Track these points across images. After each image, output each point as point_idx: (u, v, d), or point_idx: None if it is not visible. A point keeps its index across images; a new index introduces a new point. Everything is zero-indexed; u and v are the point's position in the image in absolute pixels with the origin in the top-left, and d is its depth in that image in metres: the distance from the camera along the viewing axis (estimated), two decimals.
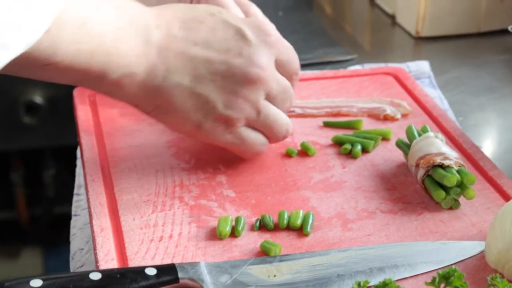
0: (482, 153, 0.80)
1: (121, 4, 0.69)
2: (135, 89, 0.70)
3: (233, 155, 0.80)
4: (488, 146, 0.86)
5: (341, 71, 0.98)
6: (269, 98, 0.75)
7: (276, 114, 0.76)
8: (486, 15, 1.15)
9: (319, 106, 0.89)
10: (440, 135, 0.77)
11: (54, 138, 2.14)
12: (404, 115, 0.88)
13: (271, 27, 0.76)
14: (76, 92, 0.90)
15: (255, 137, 0.76)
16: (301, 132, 0.85)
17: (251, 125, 0.75)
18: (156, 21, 0.70)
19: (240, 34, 0.73)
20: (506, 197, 0.73)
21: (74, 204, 0.80)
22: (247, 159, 0.78)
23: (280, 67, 0.76)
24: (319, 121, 0.87)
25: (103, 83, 0.69)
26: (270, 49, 0.74)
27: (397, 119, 0.87)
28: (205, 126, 0.73)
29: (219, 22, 0.73)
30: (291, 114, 0.88)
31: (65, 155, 2.30)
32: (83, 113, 0.86)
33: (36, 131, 2.08)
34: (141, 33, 0.69)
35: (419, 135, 0.78)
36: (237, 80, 0.72)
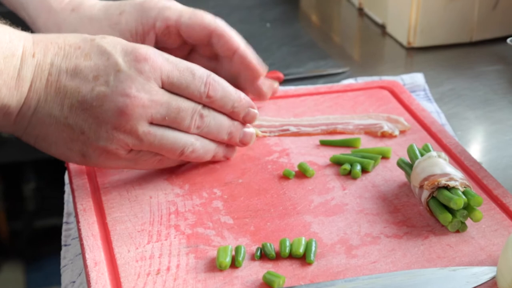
0: (485, 171, 0.78)
1: None
2: (11, 121, 0.69)
3: (228, 179, 0.77)
4: (488, 162, 0.84)
5: (335, 86, 0.96)
6: (155, 121, 0.71)
7: (162, 140, 0.72)
8: (478, 24, 1.13)
9: (314, 124, 0.87)
10: (443, 154, 0.74)
11: (33, 151, 2.11)
12: (402, 132, 0.86)
13: (146, 53, 0.71)
14: None
15: (147, 157, 0.74)
16: (297, 152, 0.82)
17: (137, 150, 0.73)
18: (34, 48, 0.68)
19: (111, 60, 0.69)
20: None
21: (63, 233, 0.76)
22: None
23: (176, 90, 0.72)
24: (315, 139, 0.84)
25: None
26: (145, 74, 0.70)
27: (395, 136, 0.85)
28: (89, 157, 0.71)
29: (95, 47, 0.70)
30: (286, 133, 0.85)
31: (45, 168, 2.27)
32: None
33: (15, 144, 2.04)
34: (16, 66, 0.67)
35: (421, 154, 0.75)
36: (105, 111, 0.69)
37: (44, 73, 0.68)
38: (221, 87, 0.75)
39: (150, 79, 0.70)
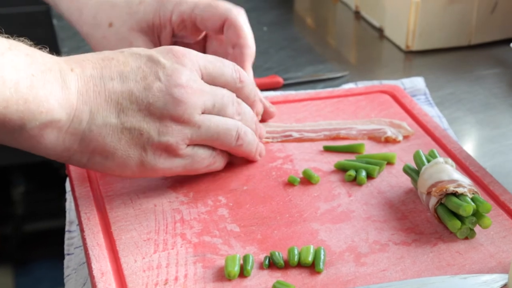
0: (491, 176, 0.77)
1: (30, 52, 0.65)
2: (60, 139, 0.67)
3: (233, 186, 0.76)
4: (492, 166, 0.84)
5: (336, 91, 0.95)
6: (206, 111, 0.73)
7: (218, 125, 0.73)
8: (477, 28, 1.12)
9: (317, 129, 0.86)
10: (450, 161, 0.74)
11: (22, 155, 2.09)
12: (405, 137, 0.85)
13: (182, 49, 0.73)
14: None
15: (203, 152, 0.74)
16: (301, 158, 0.81)
17: (195, 143, 0.73)
18: (69, 65, 0.68)
19: (152, 60, 0.70)
20: None
21: (66, 242, 0.75)
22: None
23: (213, 80, 0.74)
24: (319, 145, 0.84)
25: (23, 135, 0.65)
26: (188, 66, 0.72)
27: (398, 141, 0.84)
28: (148, 160, 0.71)
29: (129, 56, 0.71)
30: (289, 139, 0.84)
31: (34, 172, 2.25)
32: None
33: (4, 148, 2.02)
34: (57, 78, 0.66)
35: (428, 160, 0.75)
36: (163, 104, 0.69)
37: (89, 84, 0.67)
38: (246, 75, 0.78)
39: (193, 71, 0.72)
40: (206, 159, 0.75)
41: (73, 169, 0.78)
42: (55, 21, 1.26)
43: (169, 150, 0.71)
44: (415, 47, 1.12)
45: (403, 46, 1.12)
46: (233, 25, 0.84)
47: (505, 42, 1.14)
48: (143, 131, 0.69)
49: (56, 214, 1.79)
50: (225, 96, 0.75)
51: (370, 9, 1.22)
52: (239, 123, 0.76)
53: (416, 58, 1.11)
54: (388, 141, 0.84)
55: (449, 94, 1.00)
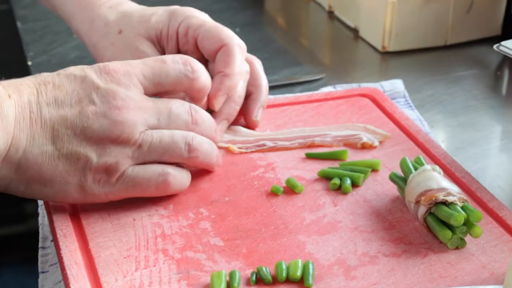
0: (477, 182, 0.76)
1: None
2: None
3: (214, 197, 0.74)
4: (476, 171, 0.82)
5: (315, 95, 0.93)
6: (152, 126, 0.70)
7: (161, 139, 0.70)
8: (453, 27, 1.11)
9: (291, 137, 0.83)
10: (438, 168, 0.72)
11: None
12: (380, 142, 0.83)
13: (117, 66, 0.70)
14: None
15: (146, 171, 0.70)
16: (283, 166, 0.79)
17: (141, 161, 0.70)
18: (7, 91, 0.66)
19: (87, 82, 0.68)
20: (511, 232, 0.69)
21: (40, 259, 0.72)
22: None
23: (158, 85, 0.71)
24: (301, 152, 0.81)
25: None
26: (124, 84, 0.69)
27: (375, 147, 0.82)
28: (88, 185, 0.68)
29: (64, 78, 0.69)
30: (263, 149, 0.81)
31: None
32: None
33: None
34: None
35: (414, 167, 0.73)
36: (98, 127, 0.67)
37: (25, 111, 0.65)
38: (199, 65, 0.74)
39: (130, 86, 0.69)
40: (151, 180, 0.70)
41: None
42: (19, 24, 1.22)
43: (109, 172, 0.68)
44: (391, 47, 1.10)
45: (379, 47, 1.10)
46: (227, 53, 0.80)
47: (481, 42, 1.13)
48: (80, 156, 0.67)
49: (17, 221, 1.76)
50: (174, 107, 0.71)
51: (344, 9, 1.20)
52: (191, 134, 0.72)
53: (393, 59, 1.09)
54: (364, 147, 0.82)
55: (428, 96, 0.99)
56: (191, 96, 0.75)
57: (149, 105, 0.70)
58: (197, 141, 0.72)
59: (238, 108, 0.83)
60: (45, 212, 0.75)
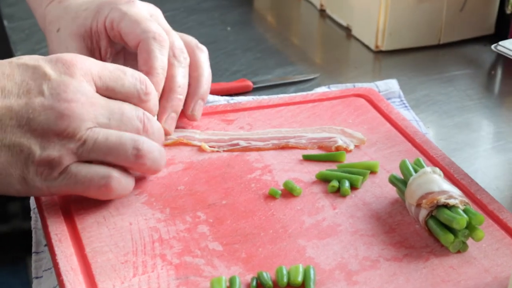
0: (477, 184, 0.75)
1: None
2: None
3: (211, 200, 0.72)
4: (474, 172, 0.81)
5: (310, 95, 0.92)
6: (102, 125, 0.68)
7: (107, 138, 0.68)
8: (446, 26, 1.10)
9: (265, 138, 0.82)
10: (438, 170, 0.71)
11: None
12: (356, 146, 0.82)
13: (73, 57, 0.69)
14: None
15: (89, 171, 0.68)
16: (280, 168, 0.78)
17: (85, 159, 0.68)
18: None
19: (38, 72, 0.67)
20: None
21: (34, 264, 0.70)
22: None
23: (111, 91, 0.70)
24: (298, 153, 0.80)
25: None
26: (77, 77, 0.67)
27: (350, 151, 0.81)
28: (30, 178, 0.66)
29: (15, 67, 0.67)
30: (236, 148, 0.80)
31: None
32: None
33: None
34: None
35: (414, 170, 0.72)
36: (44, 119, 0.65)
37: None
38: (152, 86, 0.73)
39: (83, 82, 0.68)
40: (93, 181, 0.68)
41: None
42: (6, 23, 1.20)
43: (52, 166, 0.66)
44: (384, 47, 1.09)
45: (372, 46, 1.09)
46: (143, 49, 0.78)
47: (474, 40, 1.13)
48: (23, 147, 0.65)
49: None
50: (127, 110, 0.70)
51: (336, 8, 1.19)
52: (142, 138, 0.70)
53: (386, 58, 1.08)
54: (339, 150, 0.81)
55: (423, 96, 0.98)
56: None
57: (102, 103, 0.68)
58: (147, 147, 0.70)
59: (182, 97, 0.80)
60: (38, 216, 0.74)
